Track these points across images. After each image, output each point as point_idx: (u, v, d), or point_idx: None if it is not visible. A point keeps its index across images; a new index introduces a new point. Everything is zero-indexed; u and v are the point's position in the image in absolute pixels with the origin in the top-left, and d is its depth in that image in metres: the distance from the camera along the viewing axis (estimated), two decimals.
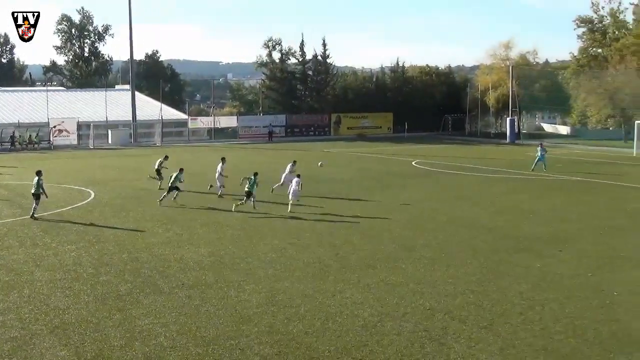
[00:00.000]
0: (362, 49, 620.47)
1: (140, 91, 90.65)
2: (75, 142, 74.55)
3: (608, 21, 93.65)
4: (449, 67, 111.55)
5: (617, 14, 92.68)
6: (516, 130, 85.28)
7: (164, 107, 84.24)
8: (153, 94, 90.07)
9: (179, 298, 17.61)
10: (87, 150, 69.77)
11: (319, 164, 39.30)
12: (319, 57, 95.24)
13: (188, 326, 15.50)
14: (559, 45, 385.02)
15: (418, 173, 46.95)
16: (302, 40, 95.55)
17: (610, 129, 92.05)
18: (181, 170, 33.52)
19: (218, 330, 15.24)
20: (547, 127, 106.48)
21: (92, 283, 18.99)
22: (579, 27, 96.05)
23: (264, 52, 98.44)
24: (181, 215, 29.99)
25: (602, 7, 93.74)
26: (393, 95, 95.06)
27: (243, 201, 31.10)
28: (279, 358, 13.80)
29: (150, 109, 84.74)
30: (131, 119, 79.26)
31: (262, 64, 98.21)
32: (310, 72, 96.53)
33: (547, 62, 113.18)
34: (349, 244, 24.08)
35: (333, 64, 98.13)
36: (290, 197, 31.50)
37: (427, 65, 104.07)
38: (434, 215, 30.04)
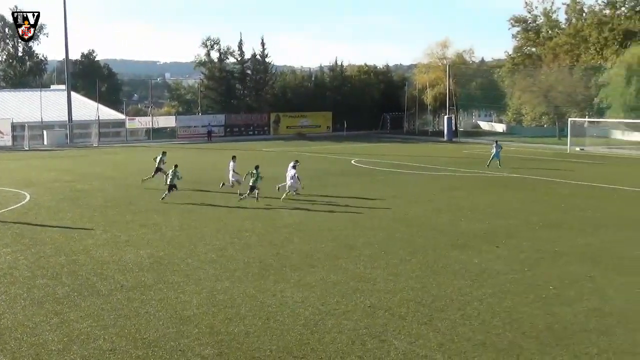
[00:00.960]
0: (300, 49, 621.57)
1: (76, 91, 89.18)
2: (9, 144, 73.15)
3: (541, 21, 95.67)
4: (387, 66, 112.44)
5: (550, 14, 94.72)
6: (453, 128, 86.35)
7: (101, 107, 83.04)
8: (89, 94, 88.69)
9: (118, 300, 17.41)
10: (22, 152, 68.46)
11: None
12: (258, 57, 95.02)
13: (127, 328, 15.34)
14: (494, 44, 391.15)
15: (358, 172, 47.18)
16: (241, 40, 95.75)
17: (545, 126, 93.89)
18: (176, 166, 34.56)
19: (158, 332, 15.10)
20: (484, 125, 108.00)
21: (29, 287, 18.64)
22: (513, 26, 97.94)
23: (202, 52, 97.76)
24: (120, 216, 29.64)
25: (536, 7, 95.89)
26: (332, 94, 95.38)
27: (246, 195, 32.90)
28: (220, 358, 13.73)
29: (87, 109, 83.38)
30: (67, 119, 78.02)
31: (200, 64, 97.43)
32: (249, 72, 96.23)
33: (483, 60, 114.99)
34: (289, 243, 24.08)
35: (272, 63, 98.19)
36: (293, 185, 34.23)
37: (365, 64, 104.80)
38: (374, 214, 30.22)
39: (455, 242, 24.19)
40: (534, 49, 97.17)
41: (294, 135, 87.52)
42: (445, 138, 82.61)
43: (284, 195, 33.83)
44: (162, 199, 33.49)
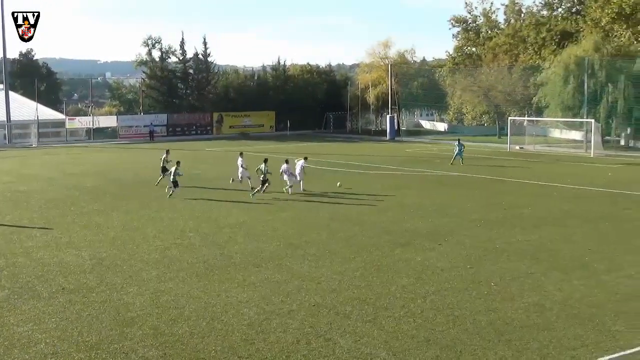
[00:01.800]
0: (243, 48, 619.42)
1: (15, 91, 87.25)
2: None
3: (481, 21, 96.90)
4: (330, 65, 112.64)
5: (490, 14, 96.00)
6: (396, 127, 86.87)
7: (40, 107, 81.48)
8: (28, 93, 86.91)
9: (59, 303, 17.14)
10: None
11: (338, 184, 38.24)
12: (200, 56, 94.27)
13: (70, 331, 15.11)
14: (436, 44, 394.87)
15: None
16: (183, 39, 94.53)
17: (485, 125, 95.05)
18: (178, 163, 35.06)
19: (101, 335, 14.91)
20: (426, 124, 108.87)
21: None
22: (454, 26, 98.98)
23: (143, 51, 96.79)
24: (61, 217, 29.19)
25: (475, 8, 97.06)
26: (275, 94, 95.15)
27: (259, 189, 34.32)
28: None
29: (26, 109, 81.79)
30: (5, 119, 76.42)
31: (141, 63, 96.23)
32: (191, 71, 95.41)
33: (424, 60, 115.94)
34: (233, 243, 24.00)
35: (214, 62, 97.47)
36: (298, 178, 36.05)
37: (308, 63, 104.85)
38: (318, 213, 30.28)
39: (398, 241, 24.35)
40: (474, 49, 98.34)
41: (237, 134, 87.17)
42: (388, 137, 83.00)
43: (286, 188, 35.46)
44: (170, 195, 34.09)
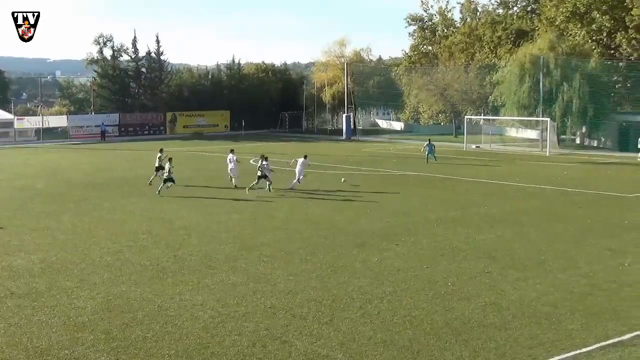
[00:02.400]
0: (197, 46, 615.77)
1: None
2: None
3: (437, 19, 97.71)
4: (285, 64, 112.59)
5: (446, 13, 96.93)
6: (352, 126, 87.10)
7: None
8: None
9: (8, 308, 16.87)
10: None
11: (342, 180, 39.80)
12: (153, 54, 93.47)
13: (19, 337, 14.89)
14: (392, 43, 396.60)
15: (256, 171, 46.91)
16: (135, 37, 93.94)
17: (442, 124, 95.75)
18: (170, 160, 35.58)
19: (51, 340, 14.72)
20: (382, 123, 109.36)
21: None
22: (410, 25, 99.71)
23: (94, 49, 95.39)
24: (9, 220, 28.75)
25: (432, 6, 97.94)
26: (229, 93, 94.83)
27: (256, 182, 35.41)
28: None
29: None
30: None
31: (92, 61, 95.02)
32: (143, 70, 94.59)
33: (380, 59, 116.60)
34: (187, 245, 23.86)
35: (167, 61, 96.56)
36: (299, 179, 36.99)
37: (263, 62, 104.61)
38: (273, 214, 30.22)
39: (355, 241, 24.40)
40: (430, 48, 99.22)
41: (191, 134, 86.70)
42: (344, 136, 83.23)
43: (292, 185, 36.81)
44: (158, 192, 34.75)
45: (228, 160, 38.95)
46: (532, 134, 76.22)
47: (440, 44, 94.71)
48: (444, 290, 18.28)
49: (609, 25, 71.35)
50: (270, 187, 35.89)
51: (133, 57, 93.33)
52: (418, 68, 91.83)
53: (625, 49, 70.79)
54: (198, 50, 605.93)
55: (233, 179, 38.25)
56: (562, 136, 69.37)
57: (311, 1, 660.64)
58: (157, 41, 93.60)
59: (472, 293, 17.99)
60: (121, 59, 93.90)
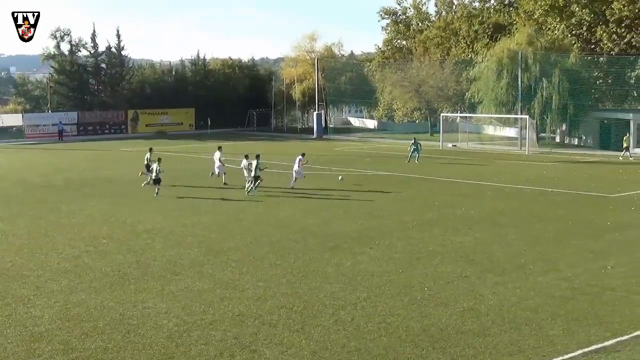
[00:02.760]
0: (159, 41, 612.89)
1: None
2: None
3: (411, 13, 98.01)
4: (253, 59, 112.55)
5: (420, 6, 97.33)
6: (323, 124, 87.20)
7: None
8: None
9: None
10: None
11: (339, 178, 41.56)
12: (113, 49, 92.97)
13: None
14: (364, 37, 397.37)
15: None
16: (94, 31, 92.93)
17: (417, 122, 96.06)
18: (159, 160, 36.71)
19: (6, 351, 14.55)
20: (355, 121, 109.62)
21: None
22: (383, 18, 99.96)
23: (51, 44, 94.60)
24: None
25: None
26: (194, 90, 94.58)
27: (253, 186, 35.98)
28: None
29: None
30: None
31: (49, 57, 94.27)
32: (103, 66, 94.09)
33: (352, 54, 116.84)
34: (150, 250, 23.71)
35: (129, 56, 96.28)
36: (294, 175, 38.43)
37: (230, 57, 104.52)
38: (241, 216, 30.13)
39: (327, 244, 24.39)
40: (404, 42, 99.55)
41: (154, 133, 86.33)
42: (315, 135, 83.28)
43: (292, 184, 38.13)
44: (156, 194, 35.18)
45: (216, 159, 40.47)
46: (510, 132, 76.76)
47: (414, 38, 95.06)
48: (420, 295, 18.31)
49: (589, 19, 72.02)
50: (248, 191, 36.14)
51: (92, 52, 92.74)
52: (392, 64, 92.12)
53: (606, 44, 71.45)
54: (161, 45, 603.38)
55: (223, 177, 39.69)
56: (542, 134, 69.77)
57: None
58: (118, 35, 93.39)
59: (450, 298, 18.03)
60: (80, 54, 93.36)
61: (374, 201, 34.29)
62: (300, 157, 39.13)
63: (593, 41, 73.55)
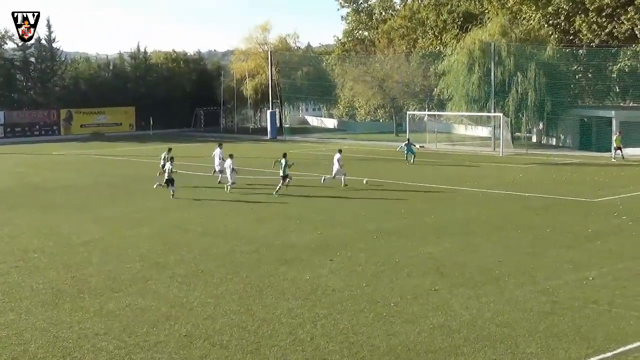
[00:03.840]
0: (95, 32, 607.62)
1: None
2: None
3: (374, 1, 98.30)
4: (199, 53, 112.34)
5: None
6: (278, 124, 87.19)
7: None
8: None
9: None
10: None
11: (364, 181, 42.72)
12: (43, 41, 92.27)
13: None
14: (323, 28, 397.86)
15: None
16: None
17: (381, 121, 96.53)
18: (172, 159, 38.59)
19: None
20: (313, 120, 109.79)
21: None
22: (342, 7, 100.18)
23: None
24: None
25: None
26: (134, 86, 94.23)
27: (280, 185, 37.98)
28: None
29: None
30: None
31: None
32: (32, 60, 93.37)
33: (309, 46, 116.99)
34: (87, 264, 23.56)
35: (61, 49, 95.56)
36: (335, 176, 41.18)
37: (173, 50, 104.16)
38: (187, 226, 30.04)
39: (283, 257, 24.39)
40: (366, 33, 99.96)
41: (90, 135, 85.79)
42: (269, 136, 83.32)
43: (343, 183, 40.53)
44: (172, 196, 36.77)
45: (216, 157, 42.52)
46: (483, 131, 77.32)
47: (377, 29, 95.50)
48: (385, 311, 18.38)
49: (567, 8, 72.82)
50: (229, 187, 38.80)
51: (20, 44, 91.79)
52: (353, 57, 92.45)
53: (586, 35, 72.31)
54: (97, 37, 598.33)
55: (220, 176, 41.32)
56: (517, 134, 70.38)
57: None
58: (49, 26, 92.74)
59: (418, 314, 18.12)
60: (5, 46, 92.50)
61: (334, 208, 34.37)
62: (338, 154, 41.57)
63: (572, 32, 74.39)
